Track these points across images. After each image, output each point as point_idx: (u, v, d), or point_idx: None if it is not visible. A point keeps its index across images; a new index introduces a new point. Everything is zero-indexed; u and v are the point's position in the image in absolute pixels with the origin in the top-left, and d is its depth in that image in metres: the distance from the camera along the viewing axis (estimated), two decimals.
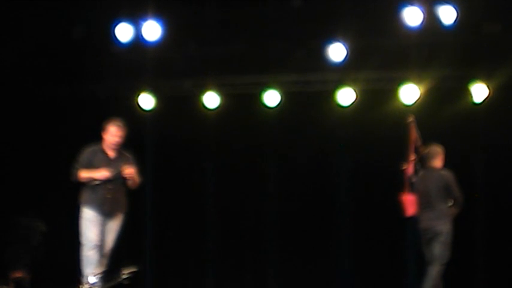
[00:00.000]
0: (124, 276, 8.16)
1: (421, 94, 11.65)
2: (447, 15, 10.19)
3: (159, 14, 11.00)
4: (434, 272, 8.85)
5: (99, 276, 8.12)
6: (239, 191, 12.51)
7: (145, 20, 10.95)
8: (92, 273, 8.21)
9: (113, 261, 8.74)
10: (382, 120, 11.79)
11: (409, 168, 9.08)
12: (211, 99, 12.21)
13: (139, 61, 11.85)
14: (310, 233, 12.26)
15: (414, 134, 9.17)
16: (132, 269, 8.22)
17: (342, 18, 10.85)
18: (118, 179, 8.33)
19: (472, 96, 11.43)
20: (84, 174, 8.35)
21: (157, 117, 12.28)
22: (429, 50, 11.28)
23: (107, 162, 8.42)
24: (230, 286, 12.35)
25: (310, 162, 12.26)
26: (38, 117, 12.55)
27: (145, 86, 12.44)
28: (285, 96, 12.20)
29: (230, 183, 12.49)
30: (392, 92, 11.89)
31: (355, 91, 11.88)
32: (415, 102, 11.66)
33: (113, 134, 8.38)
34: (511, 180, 11.06)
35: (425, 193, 9.01)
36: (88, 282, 8.14)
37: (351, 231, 12.13)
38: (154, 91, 12.48)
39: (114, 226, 8.45)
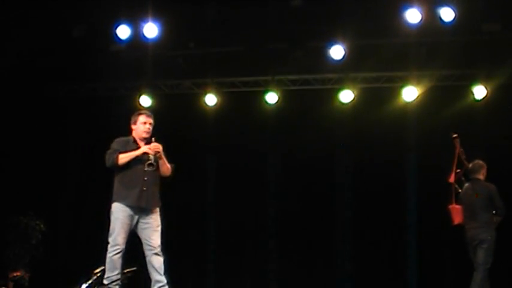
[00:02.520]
0: (124, 276, 8.08)
1: (420, 93, 11.68)
2: (447, 14, 10.20)
3: (159, 14, 11.00)
4: (479, 277, 9.12)
5: (99, 275, 8.04)
6: (239, 189, 12.52)
7: (145, 19, 10.95)
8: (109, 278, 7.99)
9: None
10: (383, 118, 11.81)
11: (453, 179, 9.40)
12: (211, 98, 12.26)
13: (140, 60, 11.87)
14: (311, 232, 12.28)
15: (459, 148, 9.44)
16: (132, 269, 8.14)
17: (342, 18, 10.86)
18: (153, 170, 8.01)
19: (472, 95, 11.46)
20: (124, 158, 7.87)
21: (157, 115, 12.29)
22: (429, 49, 11.29)
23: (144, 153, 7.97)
24: (230, 284, 12.37)
25: (311, 160, 12.26)
26: (38, 116, 12.56)
27: (145, 85, 12.47)
28: (285, 94, 12.23)
29: (230, 181, 12.51)
30: (392, 91, 11.92)
31: (354, 90, 11.90)
32: (415, 100, 11.69)
33: (142, 122, 8.15)
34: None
35: (470, 204, 9.39)
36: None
37: (352, 228, 12.15)
38: (154, 89, 12.52)
39: (154, 222, 7.95)
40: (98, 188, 12.72)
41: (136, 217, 7.88)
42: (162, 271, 7.83)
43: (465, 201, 9.40)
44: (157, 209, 8.03)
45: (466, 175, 9.55)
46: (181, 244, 12.21)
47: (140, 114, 8.19)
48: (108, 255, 7.82)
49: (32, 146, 12.40)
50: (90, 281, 7.81)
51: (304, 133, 12.22)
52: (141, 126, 8.07)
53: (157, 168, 7.90)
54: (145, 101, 12.36)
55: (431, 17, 10.33)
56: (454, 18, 10.20)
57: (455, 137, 9.63)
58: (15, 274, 11.24)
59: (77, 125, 13.15)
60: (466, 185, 9.53)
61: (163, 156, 7.96)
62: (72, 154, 13.23)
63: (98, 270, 7.79)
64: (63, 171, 13.17)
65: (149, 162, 7.75)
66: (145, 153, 7.84)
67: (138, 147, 7.99)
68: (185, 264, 12.31)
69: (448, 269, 11.77)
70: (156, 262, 7.83)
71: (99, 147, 12.56)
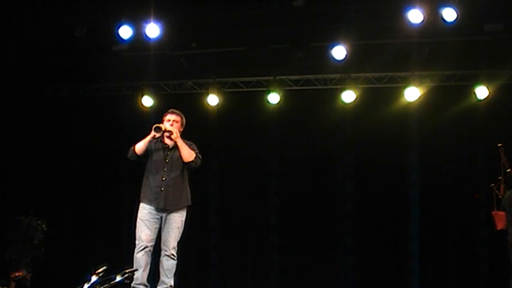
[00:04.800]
0: (126, 275, 8.05)
1: (422, 93, 11.69)
2: (449, 14, 10.18)
3: (161, 14, 10.99)
4: None
5: (100, 275, 8.01)
6: (241, 189, 12.54)
7: (147, 19, 10.94)
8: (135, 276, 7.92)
9: (114, 261, 8.70)
10: (385, 118, 11.82)
11: (502, 190, 9.49)
12: (213, 98, 12.28)
13: (142, 60, 11.87)
14: (312, 232, 12.27)
15: (504, 158, 9.50)
16: (134, 269, 8.11)
17: (344, 18, 10.84)
18: (174, 168, 7.99)
19: (474, 95, 11.47)
20: (139, 143, 7.91)
21: (158, 116, 12.28)
22: (431, 49, 11.29)
23: (165, 150, 8.04)
24: (232, 280, 12.38)
25: (313, 160, 12.27)
26: (40, 116, 12.57)
27: (147, 85, 12.48)
28: (287, 95, 12.23)
29: (232, 181, 12.52)
30: (395, 91, 11.93)
31: (356, 90, 11.92)
32: (417, 100, 11.69)
33: (166, 119, 8.09)
34: None
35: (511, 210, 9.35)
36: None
37: (354, 229, 12.15)
38: (156, 89, 12.53)
39: (173, 223, 7.94)
40: (100, 187, 12.79)
41: (160, 216, 7.95)
42: (170, 274, 7.88)
43: (507, 207, 9.38)
44: (181, 209, 8.07)
45: (508, 182, 9.55)
46: (183, 242, 12.23)
47: (167, 112, 8.22)
48: (134, 253, 7.88)
49: (34, 146, 12.41)
50: (92, 281, 7.79)
51: (306, 133, 12.24)
52: (165, 123, 8.09)
53: (181, 162, 7.93)
54: (147, 101, 12.38)
55: (433, 17, 10.30)
56: (456, 19, 10.17)
57: (500, 146, 9.69)
58: (17, 274, 11.24)
59: (79, 125, 13.14)
60: (508, 192, 9.56)
61: (179, 138, 7.94)
62: (74, 154, 13.23)
63: (100, 270, 7.77)
64: (66, 171, 13.17)
65: (156, 125, 7.81)
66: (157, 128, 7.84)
67: (164, 145, 8.04)
68: (187, 261, 12.31)
69: (449, 263, 11.80)
70: (166, 264, 7.89)
71: (101, 147, 12.71)
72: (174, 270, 7.91)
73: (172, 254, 7.89)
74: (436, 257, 11.91)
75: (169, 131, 7.91)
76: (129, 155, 8.00)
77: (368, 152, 11.95)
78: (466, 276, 11.66)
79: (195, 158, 8.01)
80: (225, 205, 12.52)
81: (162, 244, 7.95)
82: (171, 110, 8.28)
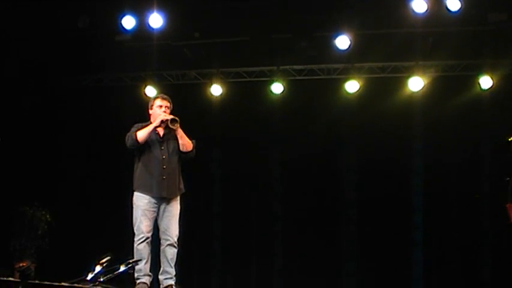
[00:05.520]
0: (129, 266, 8.04)
1: (426, 83, 11.67)
2: (453, 4, 10.16)
3: (164, 4, 10.98)
4: None
5: (104, 265, 8.00)
6: (244, 180, 12.54)
7: (150, 9, 10.93)
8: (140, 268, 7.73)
9: (118, 251, 8.69)
10: (388, 108, 11.80)
11: None
12: (216, 88, 12.28)
13: (145, 50, 11.86)
14: (315, 226, 12.26)
15: None
16: (138, 259, 8.09)
17: (347, 7, 10.83)
18: (172, 157, 7.94)
19: (478, 85, 11.44)
20: (141, 132, 7.76)
21: None
22: (435, 39, 11.27)
23: (157, 139, 7.90)
24: (235, 279, 12.38)
25: (316, 150, 12.24)
26: (42, 107, 12.58)
27: (150, 75, 12.47)
28: (290, 85, 12.22)
29: (235, 172, 12.51)
30: (398, 81, 11.91)
31: (360, 80, 11.90)
32: (421, 90, 11.67)
33: (158, 105, 8.01)
34: None
35: None
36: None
37: (357, 222, 12.13)
38: (160, 80, 12.53)
39: (174, 211, 7.84)
40: (103, 177, 12.79)
41: (158, 205, 7.83)
42: (173, 263, 7.79)
43: None
44: (178, 197, 7.96)
45: None
46: (186, 235, 12.22)
47: (156, 98, 8.14)
48: (135, 245, 7.79)
49: (36, 136, 12.41)
50: (96, 271, 7.79)
51: (309, 123, 12.22)
52: (157, 109, 8.01)
53: (177, 151, 7.86)
54: (151, 91, 12.36)
55: (437, 6, 10.29)
56: (460, 8, 10.16)
57: (511, 141, 9.63)
58: (21, 264, 11.25)
59: (82, 115, 13.14)
60: None
61: (179, 128, 7.84)
62: (78, 145, 13.23)
63: (104, 260, 7.78)
64: (69, 161, 13.18)
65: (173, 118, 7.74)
66: (162, 123, 7.79)
67: (157, 134, 7.91)
68: (190, 256, 12.31)
69: (454, 263, 11.78)
70: (170, 253, 7.79)
71: (104, 137, 12.71)
72: (176, 259, 7.84)
73: (175, 242, 7.80)
74: (440, 229, 11.88)
75: (174, 119, 7.83)
76: (129, 144, 7.85)
77: (371, 142, 11.92)
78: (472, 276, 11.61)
79: (193, 148, 7.97)
80: (228, 195, 12.50)
81: (162, 233, 7.83)
82: (161, 95, 8.24)
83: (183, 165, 8.07)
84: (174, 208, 7.88)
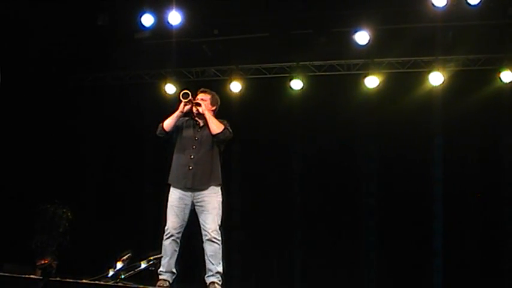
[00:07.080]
0: (150, 262, 8.04)
1: (446, 78, 11.60)
2: None
3: (183, 1, 10.99)
4: None
5: (125, 261, 7.98)
6: (263, 176, 12.55)
7: (169, 7, 10.94)
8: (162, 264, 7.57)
9: (138, 248, 8.70)
10: (408, 103, 11.76)
11: None
12: (236, 85, 12.28)
13: (164, 48, 11.89)
14: (335, 219, 12.25)
15: None
16: (159, 256, 8.09)
17: (367, 3, 10.80)
18: (204, 146, 7.82)
19: (499, 79, 11.37)
20: (167, 120, 7.61)
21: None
22: (455, 33, 11.20)
23: (195, 127, 7.72)
24: (256, 275, 12.39)
25: (336, 145, 12.24)
26: (63, 105, 12.64)
27: (170, 72, 12.50)
28: (310, 81, 12.20)
29: (254, 169, 12.53)
30: (418, 76, 11.86)
31: (380, 75, 11.86)
32: (441, 85, 11.61)
33: (200, 99, 7.91)
34: None
35: None
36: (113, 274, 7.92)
37: (377, 214, 12.12)
38: (179, 77, 12.55)
39: (208, 205, 7.52)
40: (124, 174, 12.84)
41: (190, 199, 7.59)
42: (214, 260, 7.46)
43: None
44: (214, 188, 7.63)
45: None
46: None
47: (198, 91, 7.96)
48: (163, 240, 7.65)
49: (58, 134, 12.48)
50: (117, 268, 7.81)
51: (329, 119, 12.20)
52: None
53: (210, 139, 7.63)
54: (170, 88, 12.38)
55: (457, 0, 10.22)
56: (480, 2, 10.08)
57: None
58: (42, 262, 11.30)
59: (102, 113, 13.19)
60: None
61: (207, 111, 7.67)
62: (98, 142, 13.28)
63: (124, 256, 7.79)
64: (90, 159, 13.25)
65: (184, 91, 7.57)
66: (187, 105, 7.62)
67: (195, 123, 7.75)
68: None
69: (474, 254, 11.73)
70: (209, 250, 7.49)
71: (125, 134, 12.76)
72: (219, 255, 7.48)
73: (215, 238, 7.45)
74: (460, 220, 11.84)
75: (197, 103, 7.67)
76: (157, 132, 7.71)
77: (392, 137, 11.89)
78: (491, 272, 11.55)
79: (224, 129, 7.66)
80: (248, 190, 12.51)
81: (201, 229, 7.54)
82: (203, 89, 8.03)
83: (221, 154, 7.79)
84: (208, 201, 7.56)
